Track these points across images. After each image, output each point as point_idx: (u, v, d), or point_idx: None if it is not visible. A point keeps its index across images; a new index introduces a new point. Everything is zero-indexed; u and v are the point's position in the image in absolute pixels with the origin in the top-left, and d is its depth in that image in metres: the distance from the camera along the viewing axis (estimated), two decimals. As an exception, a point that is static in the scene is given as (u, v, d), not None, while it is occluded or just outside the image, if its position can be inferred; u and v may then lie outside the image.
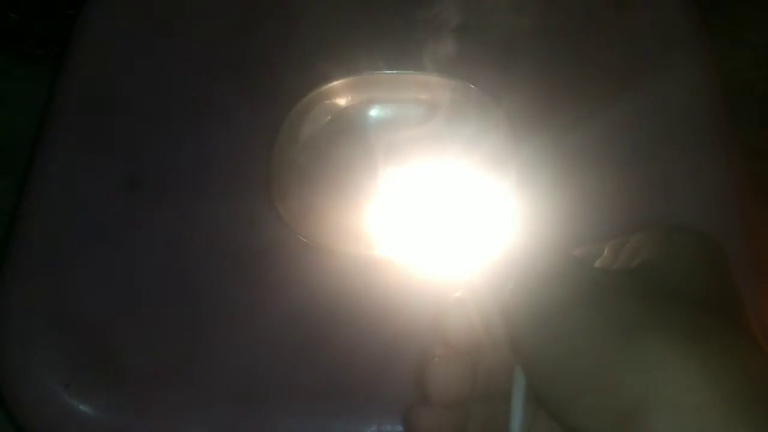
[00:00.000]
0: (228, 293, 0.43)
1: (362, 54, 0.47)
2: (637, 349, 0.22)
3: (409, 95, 0.48)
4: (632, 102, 0.47)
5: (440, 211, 0.42)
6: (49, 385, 0.41)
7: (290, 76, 0.48)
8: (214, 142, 0.47)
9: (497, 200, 0.43)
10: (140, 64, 0.50)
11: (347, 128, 0.47)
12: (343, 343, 0.41)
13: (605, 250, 0.29)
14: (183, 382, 0.41)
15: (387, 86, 0.48)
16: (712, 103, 0.49)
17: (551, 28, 0.49)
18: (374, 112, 0.48)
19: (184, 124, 0.47)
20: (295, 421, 0.41)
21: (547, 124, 0.45)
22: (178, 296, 0.43)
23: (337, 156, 0.46)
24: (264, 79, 0.48)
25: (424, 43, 0.47)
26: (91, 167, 0.47)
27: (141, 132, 0.47)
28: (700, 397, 0.21)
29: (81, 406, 0.41)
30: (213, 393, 0.41)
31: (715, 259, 0.26)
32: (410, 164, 0.45)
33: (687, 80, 0.48)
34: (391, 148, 0.46)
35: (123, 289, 0.44)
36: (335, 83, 0.48)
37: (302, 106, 0.47)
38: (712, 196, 0.46)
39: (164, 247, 0.44)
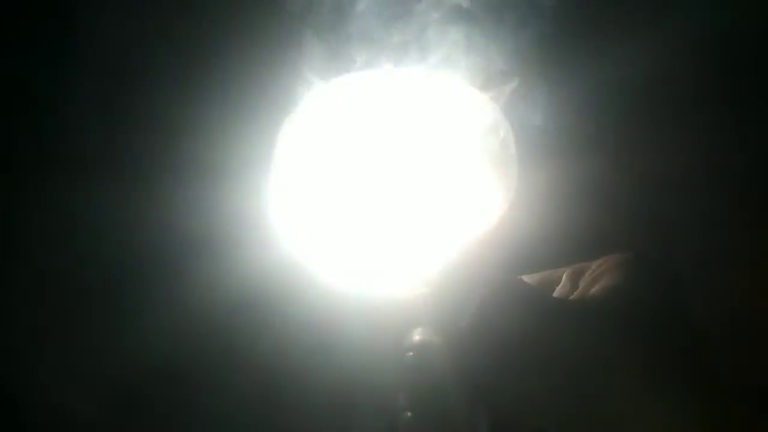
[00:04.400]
0: (228, 293, 0.43)
1: (362, 54, 0.47)
2: (601, 386, 0.23)
3: (408, 95, 0.48)
4: (632, 101, 0.47)
5: (439, 214, 0.42)
6: (50, 385, 0.41)
7: (290, 76, 0.48)
8: (214, 142, 0.47)
9: (497, 203, 0.43)
10: (140, 64, 0.50)
11: (347, 128, 0.47)
12: (344, 343, 0.41)
13: (563, 278, 0.29)
14: (183, 381, 0.41)
15: (387, 86, 0.48)
16: (711, 102, 0.49)
17: (551, 27, 0.49)
18: (374, 112, 0.48)
19: (184, 124, 0.47)
20: (296, 421, 0.41)
21: (546, 125, 0.45)
22: (178, 296, 0.43)
23: (337, 156, 0.46)
24: (264, 78, 0.48)
25: (424, 42, 0.47)
26: (90, 167, 0.47)
27: (140, 132, 0.47)
28: None
29: (82, 406, 0.41)
30: (213, 392, 0.41)
31: (673, 289, 0.27)
32: (410, 165, 0.45)
33: (687, 80, 0.48)
34: (390, 148, 0.46)
35: (123, 289, 0.44)
36: (335, 82, 0.48)
37: (302, 106, 0.47)
38: (711, 196, 0.46)
39: (163, 247, 0.44)
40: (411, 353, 0.28)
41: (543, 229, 0.41)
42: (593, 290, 0.27)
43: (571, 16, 0.49)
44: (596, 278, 0.27)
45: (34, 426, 0.42)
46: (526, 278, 0.29)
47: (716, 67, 0.48)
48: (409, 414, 0.27)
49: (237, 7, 0.50)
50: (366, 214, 0.45)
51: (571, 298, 0.28)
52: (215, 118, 0.47)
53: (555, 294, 0.29)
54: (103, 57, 0.50)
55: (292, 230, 0.43)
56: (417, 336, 0.29)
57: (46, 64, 0.49)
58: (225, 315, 0.43)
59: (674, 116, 0.47)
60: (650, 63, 0.47)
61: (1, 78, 0.49)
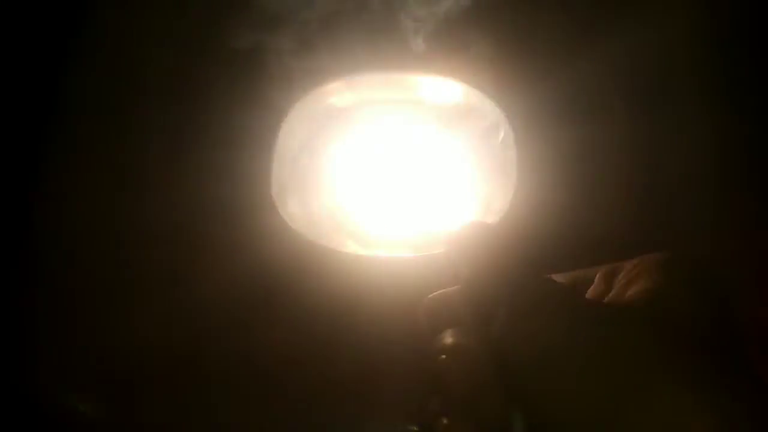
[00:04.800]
0: (228, 293, 0.43)
1: (362, 54, 0.47)
2: (645, 394, 0.22)
3: (408, 96, 0.48)
4: (634, 102, 0.47)
5: (440, 214, 0.42)
6: (51, 386, 0.41)
7: (289, 76, 0.48)
8: (214, 142, 0.47)
9: (497, 205, 0.43)
10: (140, 64, 0.49)
11: (347, 128, 0.47)
12: (344, 343, 0.41)
13: (596, 278, 0.29)
14: (183, 382, 0.41)
15: (387, 86, 0.48)
16: (714, 101, 0.49)
17: (552, 27, 0.49)
18: (374, 113, 0.48)
19: (183, 124, 0.47)
20: (296, 421, 0.41)
21: (547, 125, 0.45)
22: (178, 296, 0.43)
23: (337, 156, 0.46)
24: (263, 78, 0.48)
25: (424, 42, 0.47)
26: (90, 168, 0.47)
27: (140, 133, 0.47)
28: None
29: (81, 407, 0.41)
30: (213, 393, 0.41)
31: (713, 290, 0.26)
32: (409, 165, 0.45)
33: (690, 82, 0.48)
34: (390, 148, 0.46)
35: (123, 288, 0.44)
36: (334, 83, 0.48)
37: (302, 106, 0.47)
38: (713, 196, 0.46)
39: (164, 247, 0.44)
40: (444, 356, 0.27)
41: (546, 231, 0.41)
42: (631, 292, 0.26)
43: (572, 12, 0.49)
44: (633, 279, 0.27)
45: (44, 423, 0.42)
46: (555, 278, 0.28)
47: (717, 59, 0.48)
48: (444, 419, 0.26)
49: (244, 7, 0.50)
50: (370, 209, 0.45)
51: (606, 300, 0.27)
52: (221, 113, 0.47)
53: (588, 295, 0.28)
54: (108, 59, 0.50)
55: (304, 210, 0.43)
56: (449, 338, 0.27)
57: (58, 62, 0.49)
58: (242, 295, 0.43)
59: (677, 110, 0.47)
60: (653, 55, 0.47)
61: (15, 71, 0.48)
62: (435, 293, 0.30)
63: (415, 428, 0.29)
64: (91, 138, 0.47)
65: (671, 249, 0.27)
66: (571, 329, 0.24)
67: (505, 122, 0.44)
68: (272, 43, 0.48)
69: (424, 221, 0.43)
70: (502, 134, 0.45)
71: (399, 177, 0.45)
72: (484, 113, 0.45)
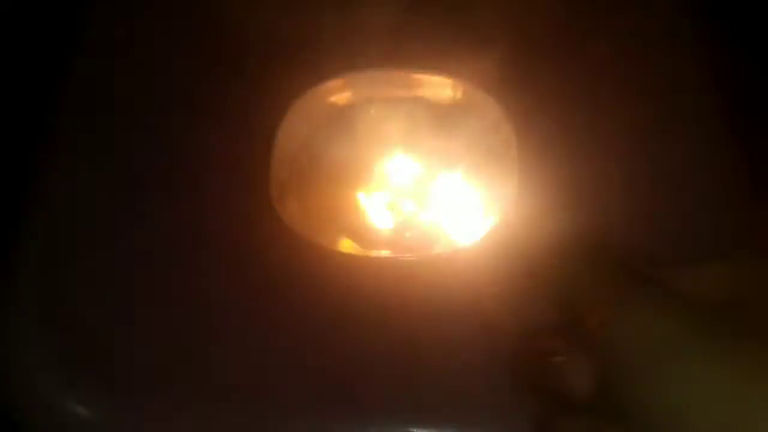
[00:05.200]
0: (227, 294, 0.43)
1: (361, 52, 0.47)
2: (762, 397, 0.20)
3: (408, 94, 0.48)
4: (636, 99, 0.47)
5: (441, 213, 0.42)
6: (50, 386, 0.41)
7: (288, 75, 0.48)
8: (213, 141, 0.46)
9: (498, 204, 0.43)
10: (139, 64, 0.49)
11: (346, 127, 0.47)
12: (343, 344, 0.41)
13: (679, 278, 0.27)
14: (183, 382, 0.41)
15: (386, 84, 0.48)
16: (717, 98, 0.49)
17: (553, 25, 0.48)
18: (373, 111, 0.48)
19: (182, 124, 0.47)
20: (296, 423, 0.41)
21: (548, 123, 0.45)
22: (177, 296, 0.43)
23: (337, 155, 0.46)
24: (262, 77, 0.48)
25: (424, 40, 0.47)
26: (90, 167, 0.46)
27: (139, 132, 0.47)
28: None
29: (81, 406, 0.41)
30: (213, 394, 0.41)
31: None
32: (410, 164, 0.45)
33: (691, 76, 0.48)
34: (390, 147, 0.46)
35: (122, 288, 0.43)
36: (334, 81, 0.48)
37: (301, 105, 0.47)
38: (715, 193, 0.46)
39: (162, 247, 0.44)
40: (558, 359, 0.25)
41: (547, 229, 0.41)
42: (719, 294, 0.24)
43: (573, 9, 0.49)
44: (720, 282, 0.25)
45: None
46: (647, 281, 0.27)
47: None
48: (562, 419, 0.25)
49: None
50: (371, 209, 0.45)
51: (695, 299, 0.25)
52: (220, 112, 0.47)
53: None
54: (107, 58, 0.50)
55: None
56: (554, 341, 0.25)
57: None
58: (240, 295, 0.43)
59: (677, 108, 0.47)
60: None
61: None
62: (501, 287, 0.28)
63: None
64: (90, 137, 0.47)
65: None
66: (672, 332, 0.22)
67: (506, 120, 0.44)
68: (272, 42, 0.48)
69: (425, 221, 0.43)
70: (503, 132, 0.44)
71: (399, 176, 0.45)
72: (484, 111, 0.45)
